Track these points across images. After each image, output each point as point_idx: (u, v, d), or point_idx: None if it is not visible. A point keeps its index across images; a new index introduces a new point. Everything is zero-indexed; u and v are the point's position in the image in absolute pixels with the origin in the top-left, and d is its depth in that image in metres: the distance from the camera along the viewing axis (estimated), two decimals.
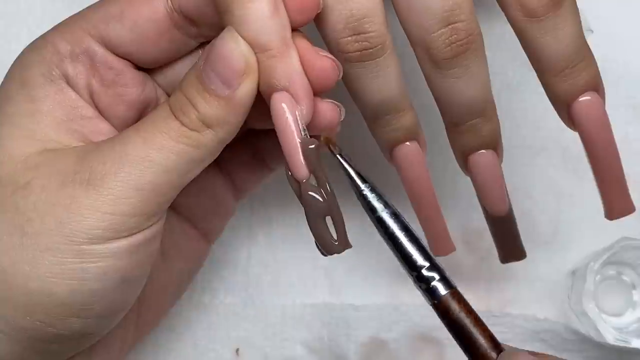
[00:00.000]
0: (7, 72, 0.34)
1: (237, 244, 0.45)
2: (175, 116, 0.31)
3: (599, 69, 0.34)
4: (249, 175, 0.40)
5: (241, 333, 0.44)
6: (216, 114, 0.31)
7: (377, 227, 0.33)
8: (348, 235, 0.32)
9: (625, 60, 0.45)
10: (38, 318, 0.31)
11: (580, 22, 0.33)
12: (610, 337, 0.41)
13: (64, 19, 0.35)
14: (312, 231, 0.32)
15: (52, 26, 0.35)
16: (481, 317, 0.44)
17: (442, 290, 0.32)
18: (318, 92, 0.32)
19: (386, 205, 0.33)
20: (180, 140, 0.31)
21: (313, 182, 0.32)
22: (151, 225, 0.32)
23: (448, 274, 0.33)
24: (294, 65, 0.31)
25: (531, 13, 0.32)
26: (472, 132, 0.34)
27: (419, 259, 0.32)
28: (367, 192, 0.33)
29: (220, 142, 0.32)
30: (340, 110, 0.33)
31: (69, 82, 0.33)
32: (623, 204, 0.36)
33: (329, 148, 0.33)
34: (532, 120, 0.45)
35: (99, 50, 0.33)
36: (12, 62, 0.34)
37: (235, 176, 0.40)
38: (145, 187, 0.31)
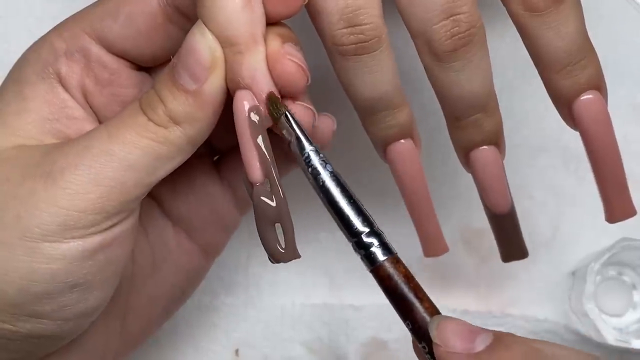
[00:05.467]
0: (9, 71, 0.34)
1: (237, 244, 0.45)
2: (143, 111, 0.31)
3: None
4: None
5: (241, 333, 0.44)
6: (184, 109, 0.30)
7: (317, 191, 0.31)
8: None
9: (625, 60, 0.45)
10: None
11: (583, 18, 0.33)
12: (611, 338, 0.41)
13: (63, 18, 0.34)
14: (260, 236, 0.31)
15: (52, 26, 0.34)
16: (481, 317, 0.44)
17: (380, 256, 0.31)
18: (287, 95, 0.31)
19: (328, 169, 0.31)
20: (145, 135, 0.30)
21: (268, 187, 0.31)
22: (112, 227, 0.31)
23: (388, 239, 0.31)
24: (259, 64, 0.30)
25: (533, 7, 0.32)
26: (474, 127, 0.33)
27: (359, 225, 0.31)
28: (312, 153, 0.31)
29: (190, 140, 0.31)
30: (314, 114, 0.32)
31: (61, 80, 0.33)
32: (624, 207, 0.35)
33: (271, 108, 0.31)
34: (532, 120, 0.45)
35: (94, 49, 0.33)
36: (12, 62, 0.34)
37: (236, 185, 0.38)
38: (106, 182, 0.30)
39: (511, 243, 0.38)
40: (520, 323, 0.44)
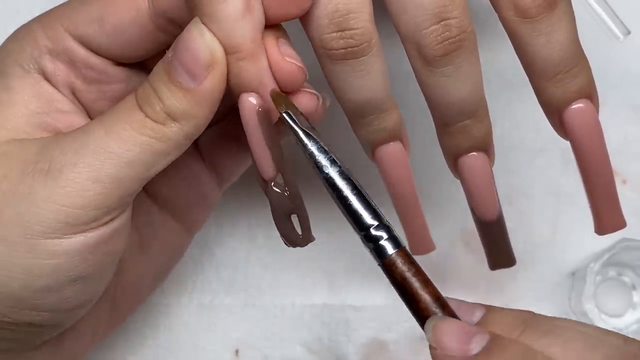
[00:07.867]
0: None
1: (237, 244, 0.45)
2: (140, 107, 0.31)
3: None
4: (231, 162, 0.39)
5: (241, 334, 0.44)
6: (182, 107, 0.30)
7: (325, 186, 0.31)
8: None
9: (625, 61, 0.45)
10: None
11: (575, 25, 0.32)
12: None
13: None
14: (277, 227, 0.32)
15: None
16: None
17: (389, 249, 0.31)
18: (286, 91, 0.32)
19: (334, 163, 0.31)
20: (143, 132, 0.30)
21: (280, 180, 0.32)
22: (111, 221, 0.31)
23: (396, 233, 0.31)
24: (263, 69, 0.31)
25: (524, 13, 0.31)
26: (463, 133, 0.33)
27: (367, 218, 0.31)
28: (315, 150, 0.31)
29: (187, 136, 0.31)
30: (319, 99, 0.33)
31: (47, 77, 0.33)
32: (614, 219, 0.35)
33: (275, 104, 0.31)
34: (532, 121, 0.45)
35: (80, 51, 0.33)
36: None
37: (217, 164, 0.39)
38: (105, 179, 0.30)
39: (499, 251, 0.37)
40: None
